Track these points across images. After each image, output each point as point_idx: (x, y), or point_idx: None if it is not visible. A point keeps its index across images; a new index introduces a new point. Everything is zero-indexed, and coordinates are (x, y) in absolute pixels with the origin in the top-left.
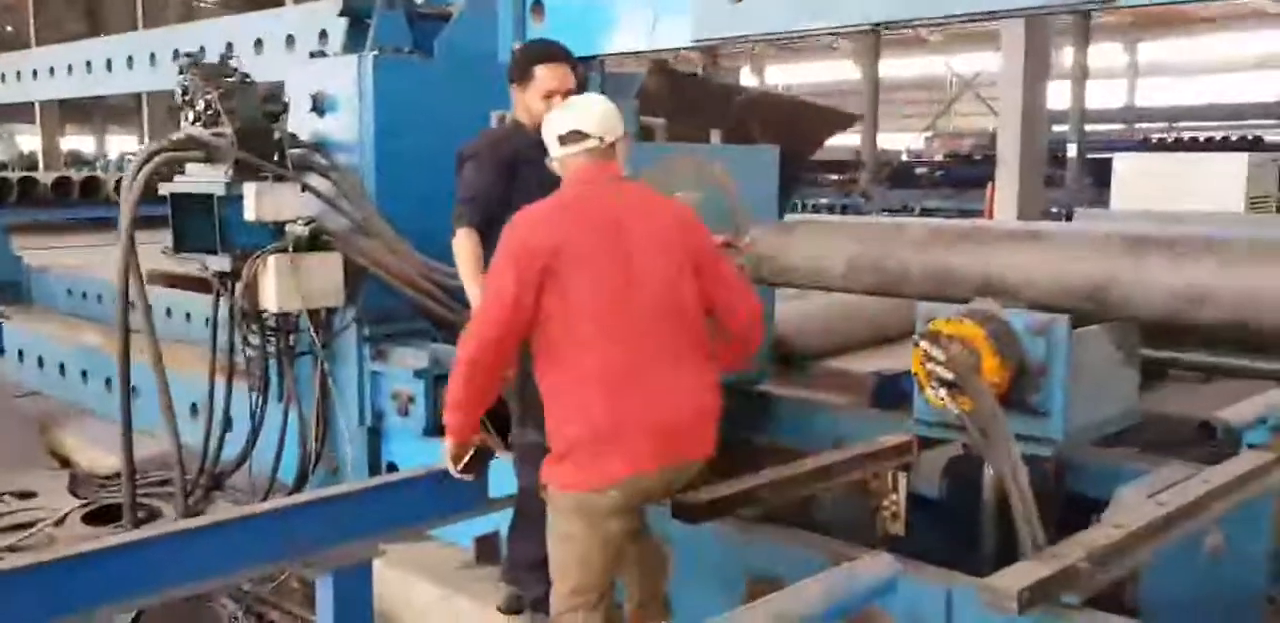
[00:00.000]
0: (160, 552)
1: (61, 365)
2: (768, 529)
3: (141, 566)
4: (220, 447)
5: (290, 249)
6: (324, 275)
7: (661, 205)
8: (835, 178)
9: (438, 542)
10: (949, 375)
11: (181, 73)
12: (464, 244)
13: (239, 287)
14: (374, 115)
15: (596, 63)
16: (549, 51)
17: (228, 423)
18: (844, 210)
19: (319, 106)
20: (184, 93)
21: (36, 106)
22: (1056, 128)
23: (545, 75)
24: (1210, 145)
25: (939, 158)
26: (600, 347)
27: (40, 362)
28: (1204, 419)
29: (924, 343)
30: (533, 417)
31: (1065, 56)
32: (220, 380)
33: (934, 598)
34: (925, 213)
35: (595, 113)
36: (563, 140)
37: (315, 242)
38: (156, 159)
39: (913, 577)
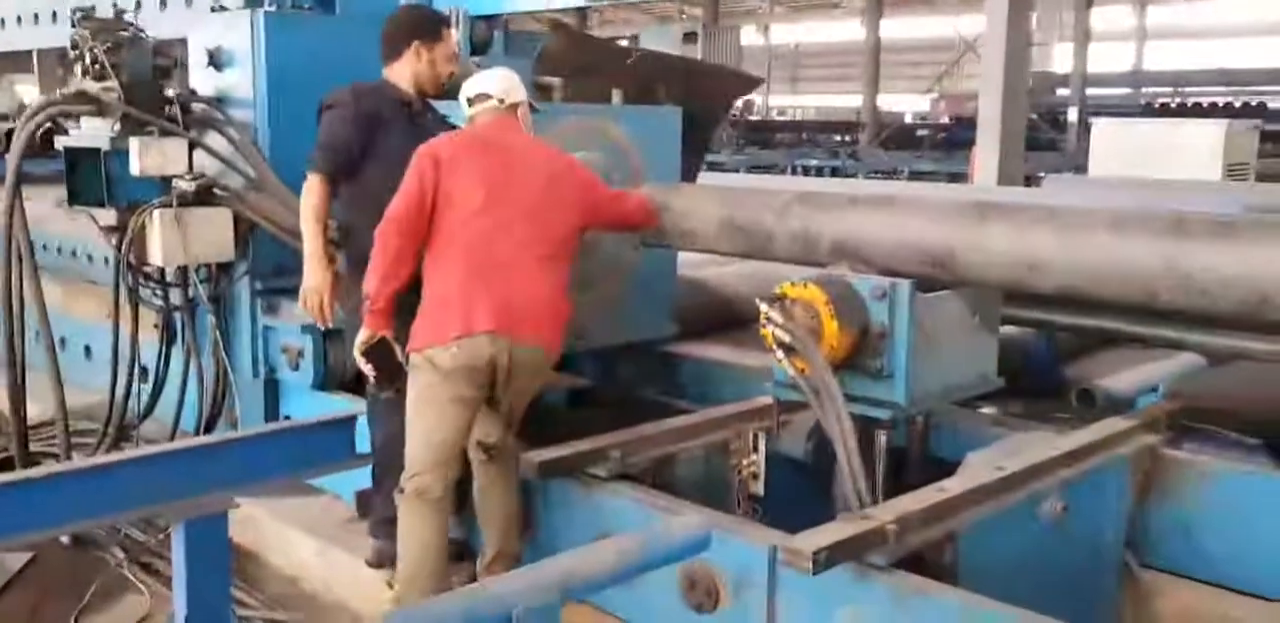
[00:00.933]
0: (13, 497)
1: None
2: (614, 488)
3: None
4: (126, 398)
5: (174, 203)
6: (212, 230)
7: (545, 148)
8: (837, 138)
9: (327, 495)
10: (786, 338)
11: (73, 26)
12: (312, 188)
13: (124, 240)
14: (266, 71)
15: (500, 21)
16: (446, 17)
17: (141, 373)
18: (833, 172)
19: (216, 61)
20: (73, 46)
21: None
22: (1061, 91)
23: (449, 37)
24: (1212, 111)
25: (944, 120)
26: (470, 235)
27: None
28: (1084, 387)
29: (764, 306)
30: (387, 377)
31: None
32: (127, 331)
33: (756, 556)
34: (915, 176)
35: (497, 78)
36: (470, 101)
37: (204, 196)
38: (45, 112)
39: (728, 535)
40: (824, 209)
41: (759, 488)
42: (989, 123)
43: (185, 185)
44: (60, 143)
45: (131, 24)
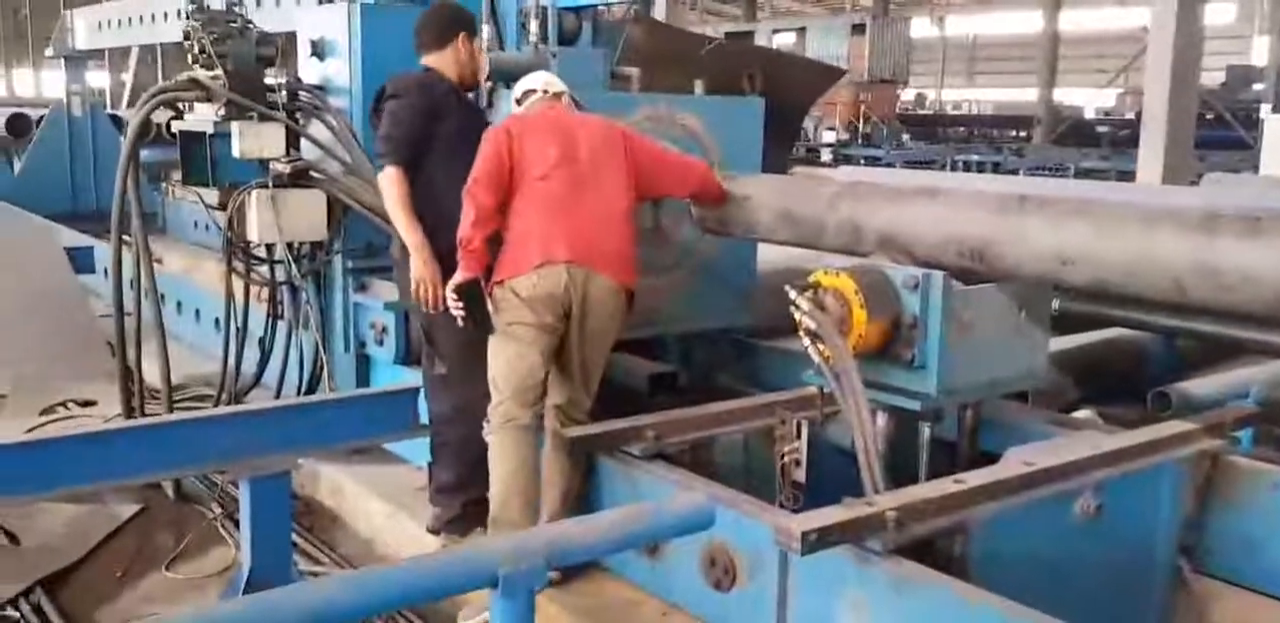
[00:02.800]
0: (105, 445)
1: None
2: (648, 467)
3: (85, 456)
4: (238, 367)
5: (270, 185)
6: (305, 211)
7: (600, 119)
8: (1011, 134)
9: (409, 465)
10: (812, 325)
11: (187, 18)
12: (394, 179)
13: (223, 218)
14: (361, 60)
15: (589, 12)
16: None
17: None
18: (994, 168)
19: (318, 51)
20: (185, 37)
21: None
22: (1257, 86)
23: (481, 31)
24: None
25: (1129, 115)
26: (546, 188)
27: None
28: (1161, 389)
29: (793, 293)
30: (441, 353)
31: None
32: (241, 304)
33: (767, 537)
34: (1082, 173)
35: (538, 76)
36: (519, 100)
37: (300, 179)
38: (158, 98)
39: (733, 513)
40: (870, 200)
41: (801, 475)
42: (1154, 119)
43: (281, 167)
44: (175, 126)
45: (240, 15)
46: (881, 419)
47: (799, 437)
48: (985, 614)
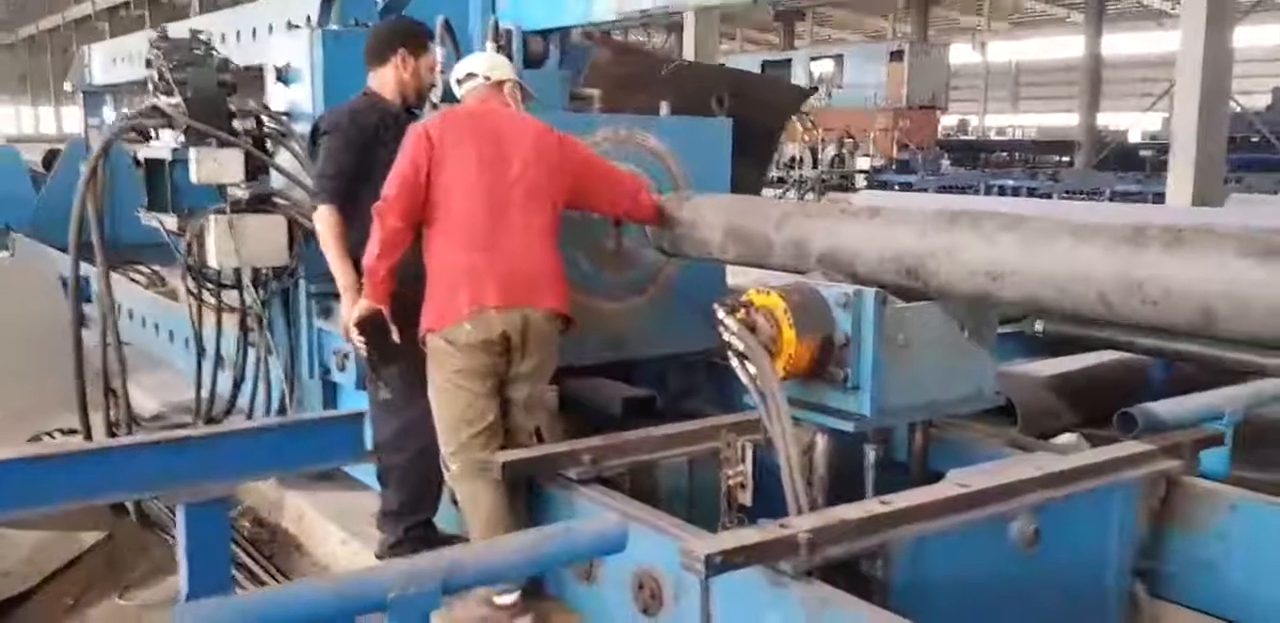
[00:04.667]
0: (37, 469)
1: (140, 318)
2: (583, 491)
3: (33, 479)
4: (212, 392)
5: (228, 211)
6: (265, 237)
7: (535, 122)
8: (1054, 159)
9: (371, 491)
10: (739, 345)
11: (152, 47)
12: (327, 220)
13: (184, 244)
14: (323, 86)
15: (555, 37)
16: (431, 33)
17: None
18: (1030, 193)
19: (283, 77)
20: (148, 64)
21: None
22: None
23: (433, 51)
24: None
25: None
26: (466, 210)
27: (130, 314)
28: (1125, 410)
29: (720, 313)
30: (385, 376)
31: None
32: (217, 329)
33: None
34: (1115, 197)
35: (482, 59)
36: (459, 82)
37: (259, 204)
38: (122, 124)
39: (653, 536)
40: (816, 220)
41: (746, 498)
42: (1183, 141)
43: (240, 193)
44: (139, 154)
45: (205, 43)
46: (821, 441)
47: (744, 459)
48: None
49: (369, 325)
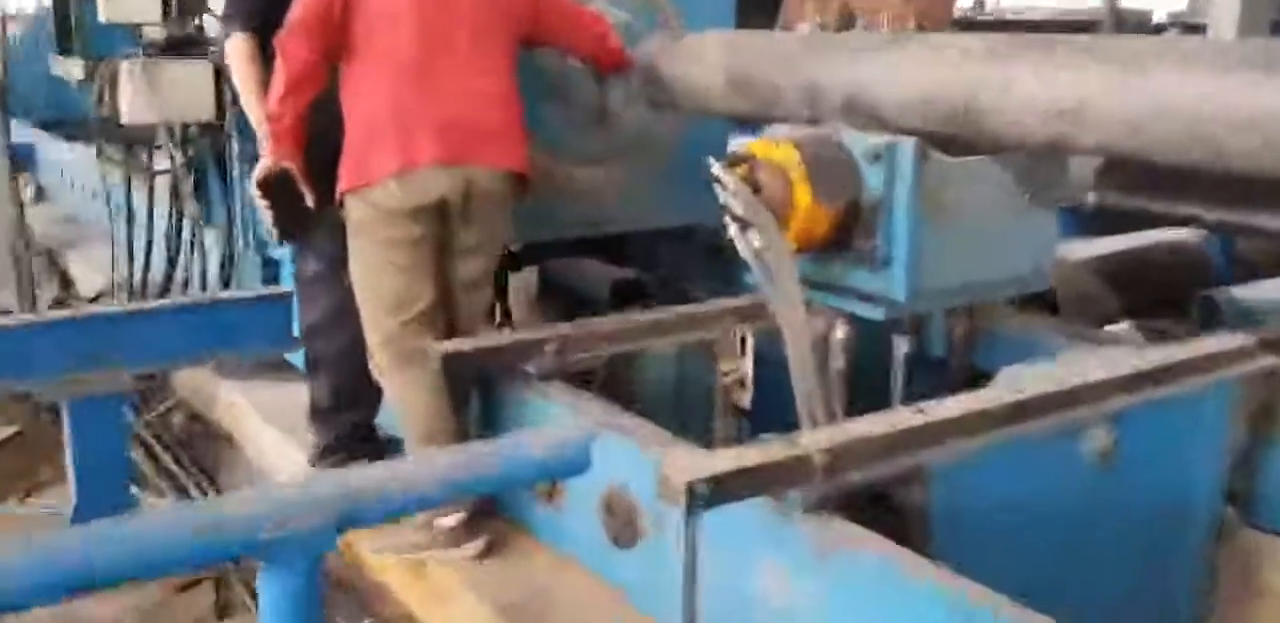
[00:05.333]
0: None
1: (91, 190)
2: (543, 389)
3: None
4: (145, 267)
5: (141, 55)
6: (188, 86)
7: None
8: None
9: None
10: (738, 208)
11: None
12: (240, 52)
13: (93, 96)
14: None
15: None
16: None
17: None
18: None
19: None
20: None
21: None
22: None
23: None
24: None
25: (1205, 20)
26: (397, 42)
27: (78, 186)
28: (1207, 294)
29: (716, 169)
30: (314, 246)
31: None
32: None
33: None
34: None
35: None
36: None
37: (182, 48)
38: None
39: (626, 449)
40: (835, 56)
41: (745, 400)
42: (1220, 24)
43: (157, 34)
44: None
45: None
46: (841, 331)
47: (743, 353)
48: (929, 593)
49: (276, 185)
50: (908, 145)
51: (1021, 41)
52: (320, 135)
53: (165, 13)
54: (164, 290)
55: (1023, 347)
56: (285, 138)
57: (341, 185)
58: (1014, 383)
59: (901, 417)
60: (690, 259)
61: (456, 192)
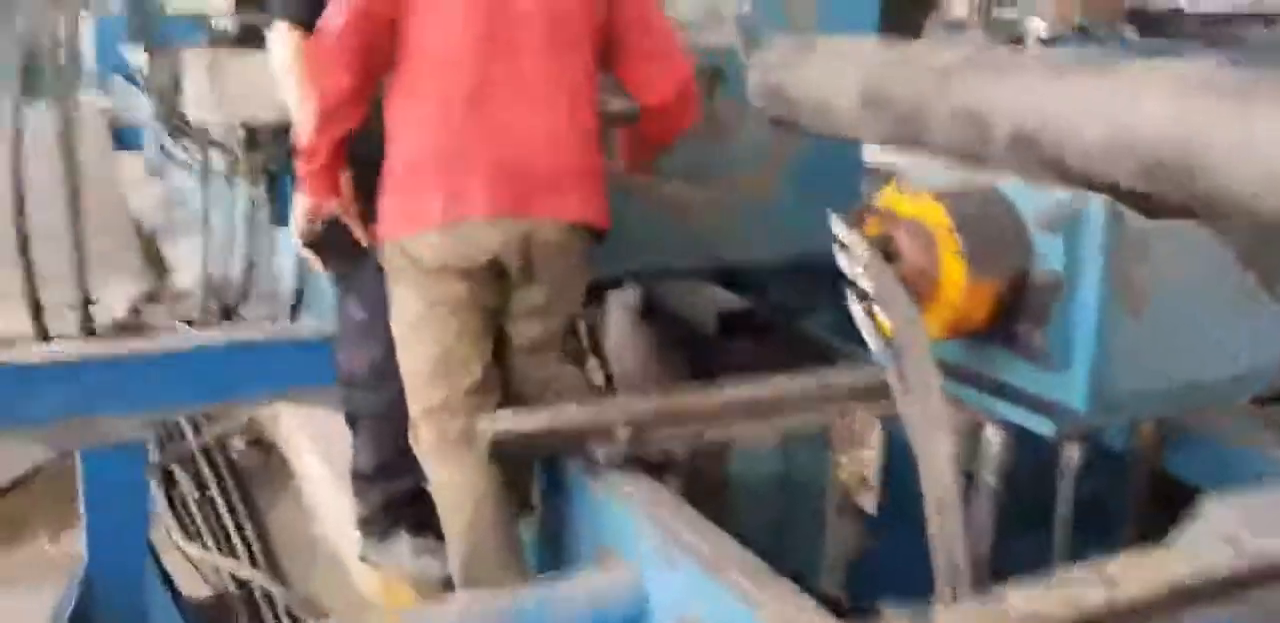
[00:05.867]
0: None
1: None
2: (614, 480)
3: None
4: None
5: (206, 45)
6: (256, 82)
7: None
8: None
9: None
10: (868, 283)
11: None
12: (286, 42)
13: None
14: None
15: None
16: None
17: None
18: None
19: None
20: None
21: None
22: None
23: None
24: None
25: None
26: (452, 59)
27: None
28: None
29: (839, 227)
30: (359, 285)
31: None
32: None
33: None
34: None
35: None
36: None
37: (255, 39)
38: None
39: (701, 581)
40: (1004, 77)
41: (870, 504)
42: None
43: (224, 23)
44: None
45: None
46: (996, 436)
47: (868, 442)
48: None
49: (320, 232)
50: (1098, 207)
51: (1269, 76)
52: (368, 155)
53: (237, 1)
54: (243, 293)
55: (1234, 456)
56: (323, 176)
57: (382, 229)
58: (1222, 530)
59: (1079, 589)
60: (812, 291)
61: (513, 249)
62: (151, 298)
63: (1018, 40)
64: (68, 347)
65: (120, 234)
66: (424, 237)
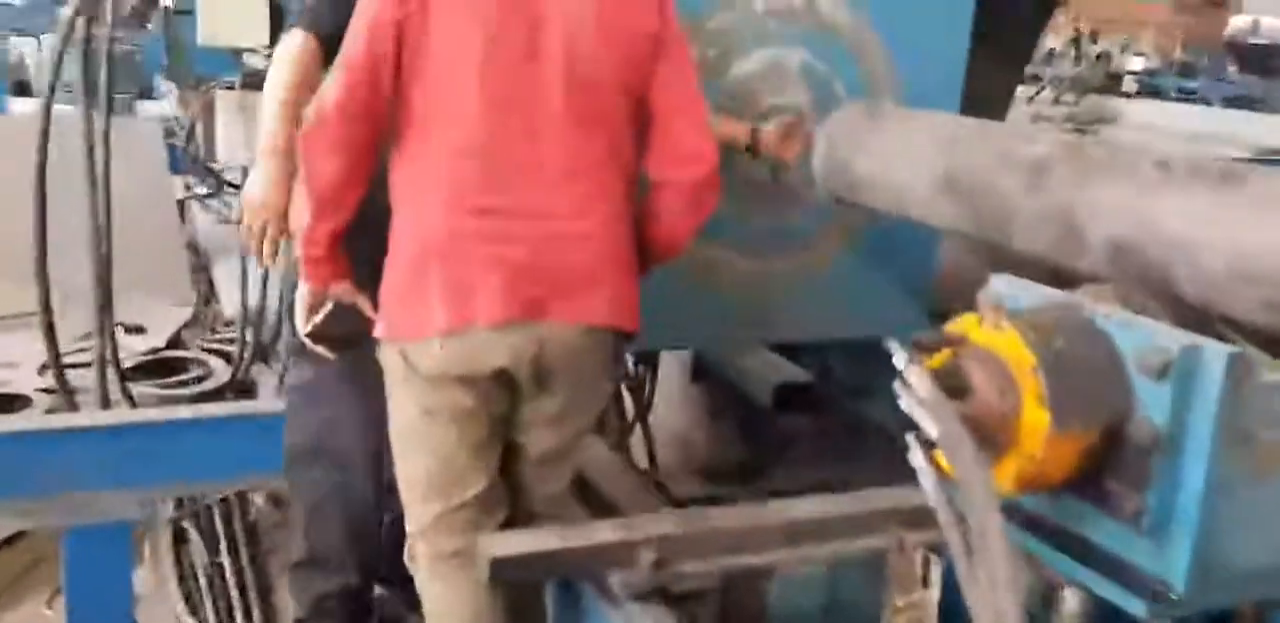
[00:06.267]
0: None
1: None
2: (634, 611)
3: None
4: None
5: (238, 85)
6: None
7: None
8: None
9: None
10: (931, 429)
11: None
12: (293, 46)
13: (184, 127)
14: None
15: None
16: None
17: None
18: None
19: None
20: None
21: None
22: None
23: None
24: None
25: None
26: (462, 135)
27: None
28: None
29: (900, 358)
30: (306, 350)
31: None
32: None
33: None
34: None
35: None
36: None
37: None
38: None
39: None
40: (1106, 177)
41: None
42: None
43: (258, 62)
44: None
45: None
46: (1074, 600)
47: (925, 581)
48: None
49: (328, 322)
50: (1215, 349)
51: None
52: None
53: (273, 36)
54: (277, 331)
55: None
56: (325, 264)
57: (379, 328)
58: None
59: None
60: (876, 371)
61: (524, 358)
62: (193, 323)
63: (1114, 77)
64: (60, 418)
65: (171, 255)
66: (425, 345)
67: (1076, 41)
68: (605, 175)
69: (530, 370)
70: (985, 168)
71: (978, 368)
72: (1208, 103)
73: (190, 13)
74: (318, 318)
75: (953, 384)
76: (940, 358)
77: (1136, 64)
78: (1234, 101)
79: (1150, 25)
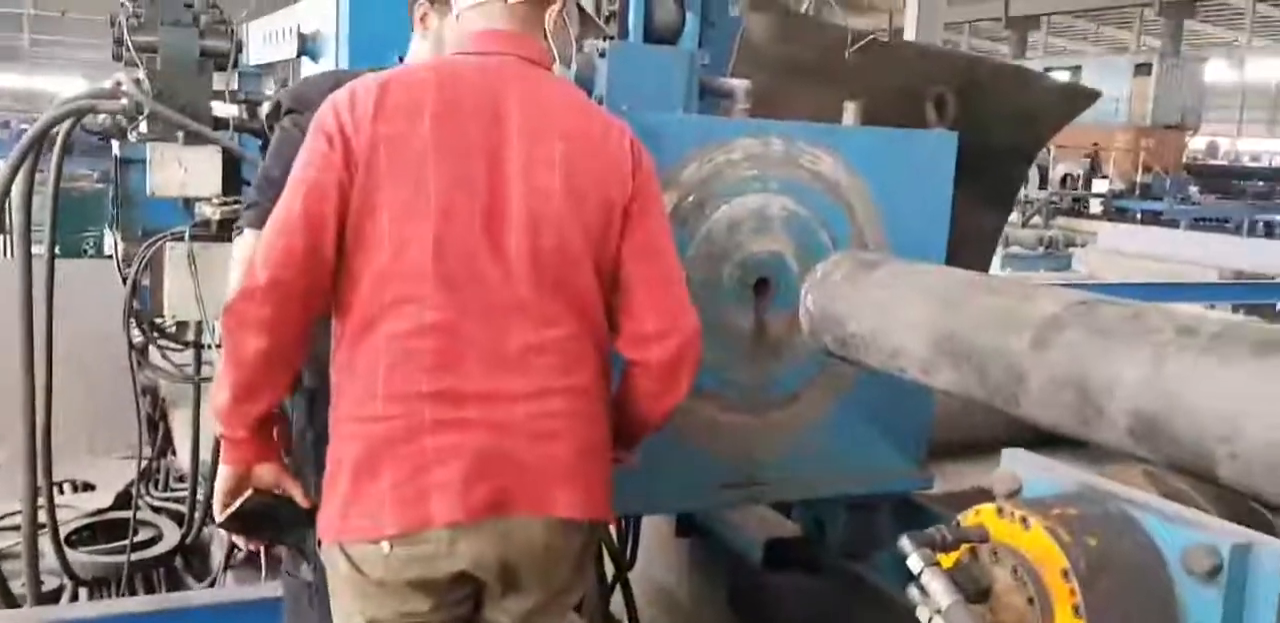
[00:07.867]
0: None
1: None
2: None
3: None
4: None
5: (187, 237)
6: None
7: (597, 111)
8: None
9: None
10: None
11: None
12: (244, 247)
13: (129, 280)
14: (349, 56)
15: (696, 2)
16: None
17: None
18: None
19: (309, 49)
20: (111, 23)
21: None
22: None
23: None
24: None
25: None
26: (414, 300)
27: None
28: None
29: (914, 558)
30: (309, 545)
31: None
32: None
33: None
34: None
35: None
36: None
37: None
38: (69, 106)
39: None
40: (1127, 340)
41: None
42: None
43: (209, 211)
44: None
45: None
46: None
47: None
48: None
49: (248, 509)
50: (1274, 553)
51: None
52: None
53: (226, 186)
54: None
55: None
56: (246, 447)
57: (321, 529)
58: None
59: None
60: (873, 529)
61: (489, 560)
62: (145, 478)
63: (1078, 199)
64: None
65: (121, 404)
66: (372, 548)
67: (1042, 167)
68: (573, 350)
69: (496, 571)
70: (987, 327)
71: (1000, 568)
72: (1175, 224)
73: (140, 162)
74: (235, 504)
75: (973, 586)
76: (956, 558)
77: (1101, 186)
78: (1200, 223)
79: (1111, 149)
